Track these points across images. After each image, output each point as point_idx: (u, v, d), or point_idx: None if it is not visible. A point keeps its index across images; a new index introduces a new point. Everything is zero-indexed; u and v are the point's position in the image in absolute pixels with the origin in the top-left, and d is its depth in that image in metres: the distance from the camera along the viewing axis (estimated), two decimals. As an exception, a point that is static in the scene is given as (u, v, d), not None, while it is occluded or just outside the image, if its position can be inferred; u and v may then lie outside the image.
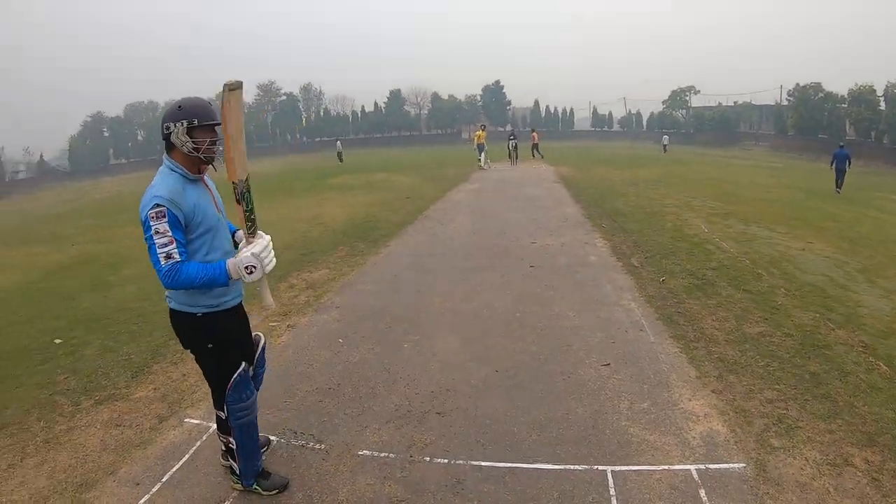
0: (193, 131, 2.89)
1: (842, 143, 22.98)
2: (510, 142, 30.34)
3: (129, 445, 3.94)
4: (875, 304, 6.42)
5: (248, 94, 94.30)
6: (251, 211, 3.12)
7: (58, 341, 6.02)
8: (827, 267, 8.05)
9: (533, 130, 36.36)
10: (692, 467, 3.42)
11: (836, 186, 20.49)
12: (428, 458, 3.61)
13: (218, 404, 3.30)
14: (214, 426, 3.97)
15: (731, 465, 3.43)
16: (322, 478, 3.49)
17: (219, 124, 2.93)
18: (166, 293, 3.06)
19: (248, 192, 3.11)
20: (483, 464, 3.54)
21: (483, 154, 27.74)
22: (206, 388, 4.60)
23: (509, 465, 3.53)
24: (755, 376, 4.56)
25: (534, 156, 31.41)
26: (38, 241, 14.37)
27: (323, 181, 24.07)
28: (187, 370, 5.06)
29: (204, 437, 3.99)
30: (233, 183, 3.01)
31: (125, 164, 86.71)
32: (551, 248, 9.20)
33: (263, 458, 3.52)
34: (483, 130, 28.72)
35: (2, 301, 8.12)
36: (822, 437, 3.71)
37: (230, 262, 2.92)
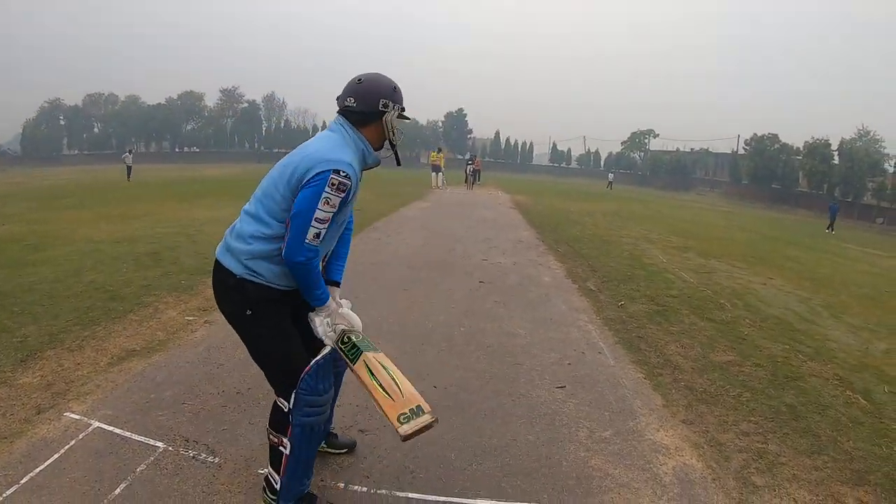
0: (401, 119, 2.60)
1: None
2: (468, 166, 30.11)
3: (-5, 437, 3.14)
4: (844, 339, 6.04)
5: (210, 99, 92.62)
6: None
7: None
8: (791, 302, 7.70)
9: (475, 157, 34.97)
10: (666, 511, 2.78)
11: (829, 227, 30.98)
12: (342, 485, 2.84)
13: (281, 389, 2.56)
14: (96, 423, 3.27)
15: (711, 509, 2.81)
16: (208, 498, 2.69)
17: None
18: (233, 251, 2.59)
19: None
20: (411, 496, 2.80)
21: (439, 175, 27.38)
22: (98, 379, 3.90)
23: (443, 498, 2.80)
24: (727, 407, 3.99)
25: (466, 181, 29.83)
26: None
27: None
28: (83, 359, 4.25)
29: (80, 436, 3.17)
30: None
31: (78, 156, 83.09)
32: (503, 266, 8.60)
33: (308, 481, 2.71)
34: (439, 152, 28.45)
35: None
36: (809, 475, 3.16)
37: (332, 306, 2.60)
